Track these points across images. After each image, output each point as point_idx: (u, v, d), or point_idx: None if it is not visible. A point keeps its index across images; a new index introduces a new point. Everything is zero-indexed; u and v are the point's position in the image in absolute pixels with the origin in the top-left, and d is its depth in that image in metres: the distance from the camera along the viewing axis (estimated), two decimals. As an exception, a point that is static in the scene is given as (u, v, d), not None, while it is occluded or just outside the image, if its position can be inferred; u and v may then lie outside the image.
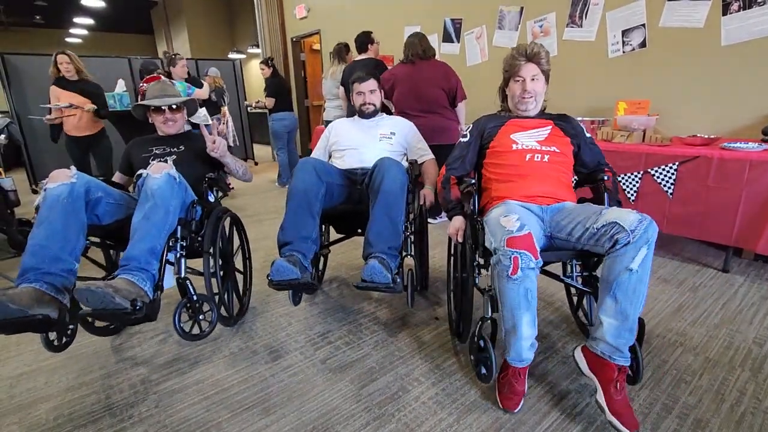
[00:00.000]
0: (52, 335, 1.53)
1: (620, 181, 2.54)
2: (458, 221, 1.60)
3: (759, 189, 2.08)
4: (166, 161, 1.85)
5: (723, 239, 2.24)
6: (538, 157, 1.54)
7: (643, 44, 2.88)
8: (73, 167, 1.54)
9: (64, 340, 1.57)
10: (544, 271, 1.51)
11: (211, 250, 1.71)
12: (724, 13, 2.51)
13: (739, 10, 2.46)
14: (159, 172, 1.54)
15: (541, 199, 1.49)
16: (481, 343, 1.42)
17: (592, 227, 1.29)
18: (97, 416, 1.39)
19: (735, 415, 1.30)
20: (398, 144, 2.13)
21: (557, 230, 1.42)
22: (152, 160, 1.88)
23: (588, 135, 1.69)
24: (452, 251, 1.81)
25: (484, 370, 1.43)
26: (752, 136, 2.44)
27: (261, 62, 4.67)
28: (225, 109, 5.17)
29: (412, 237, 1.82)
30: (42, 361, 1.69)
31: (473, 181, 1.64)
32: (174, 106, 1.94)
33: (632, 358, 1.28)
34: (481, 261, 1.50)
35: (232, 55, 8.20)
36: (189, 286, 1.60)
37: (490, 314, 1.43)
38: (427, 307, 2.02)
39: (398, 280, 1.54)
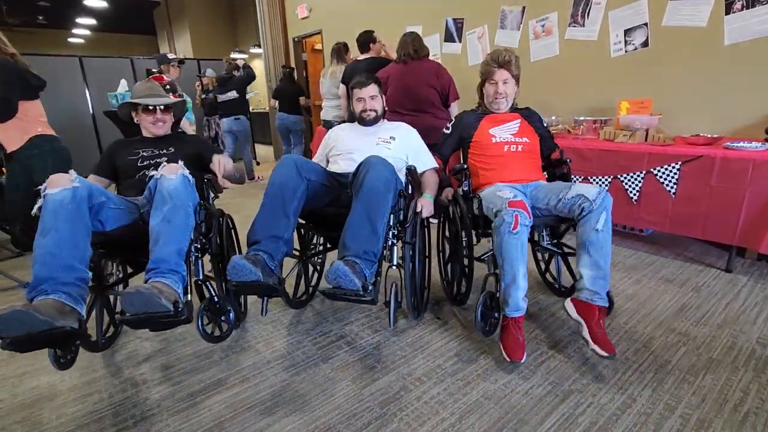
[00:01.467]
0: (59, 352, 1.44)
1: (622, 181, 2.53)
2: (448, 190, 2.03)
3: (762, 188, 2.07)
4: (174, 162, 1.81)
5: (726, 239, 2.23)
6: (513, 147, 1.92)
7: (645, 43, 2.88)
8: (72, 171, 1.46)
9: (69, 356, 1.49)
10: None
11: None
12: (727, 12, 2.50)
13: (742, 9, 2.45)
14: (174, 173, 1.50)
15: (519, 181, 1.86)
16: (488, 299, 1.64)
17: (564, 198, 1.65)
18: (99, 415, 1.39)
19: (738, 415, 1.30)
20: (398, 150, 1.99)
21: (536, 202, 1.77)
22: (141, 162, 1.81)
23: (546, 126, 2.08)
24: (443, 220, 2.11)
25: (487, 327, 1.64)
26: (755, 136, 2.43)
27: None
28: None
29: (401, 245, 1.70)
30: (44, 360, 1.67)
31: (465, 166, 1.96)
32: (162, 107, 1.88)
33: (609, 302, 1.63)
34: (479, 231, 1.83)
35: (234, 55, 8.21)
36: (210, 287, 1.59)
37: (493, 270, 1.69)
38: (428, 307, 2.01)
39: (370, 288, 1.42)
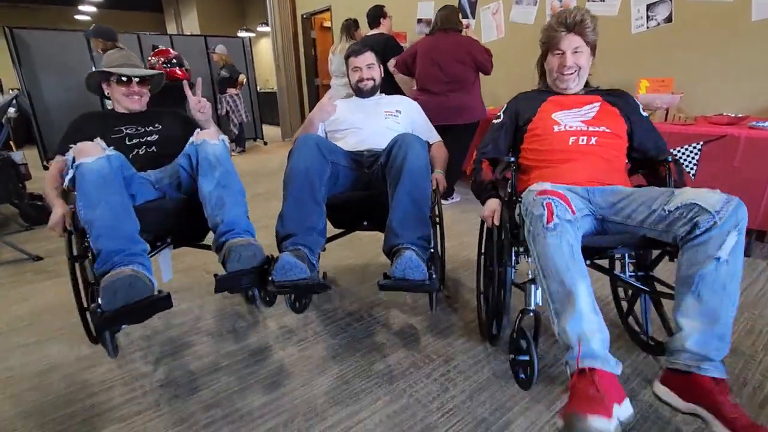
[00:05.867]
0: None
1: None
2: (493, 203, 1.41)
3: (788, 170, 2.00)
4: (169, 136, 1.71)
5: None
6: (583, 139, 1.34)
7: (668, 19, 2.76)
8: (99, 138, 1.35)
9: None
10: (593, 264, 1.33)
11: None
12: (758, -15, 2.38)
13: (774, -18, 2.33)
14: (216, 138, 1.46)
15: (584, 183, 1.30)
16: (522, 342, 1.25)
17: (662, 209, 1.07)
18: (109, 385, 1.39)
19: (758, 398, 1.27)
20: (405, 123, 1.91)
21: (612, 212, 1.21)
22: (129, 141, 1.67)
23: (645, 114, 1.46)
24: (483, 239, 1.64)
25: (522, 375, 1.29)
26: (782, 116, 2.34)
27: None
28: (242, 77, 5.81)
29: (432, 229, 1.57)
30: (54, 330, 1.70)
31: (512, 159, 1.41)
32: (138, 79, 1.70)
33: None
34: (521, 249, 1.31)
35: (241, 34, 8.08)
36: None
37: (533, 305, 1.22)
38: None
39: (434, 276, 1.30)
